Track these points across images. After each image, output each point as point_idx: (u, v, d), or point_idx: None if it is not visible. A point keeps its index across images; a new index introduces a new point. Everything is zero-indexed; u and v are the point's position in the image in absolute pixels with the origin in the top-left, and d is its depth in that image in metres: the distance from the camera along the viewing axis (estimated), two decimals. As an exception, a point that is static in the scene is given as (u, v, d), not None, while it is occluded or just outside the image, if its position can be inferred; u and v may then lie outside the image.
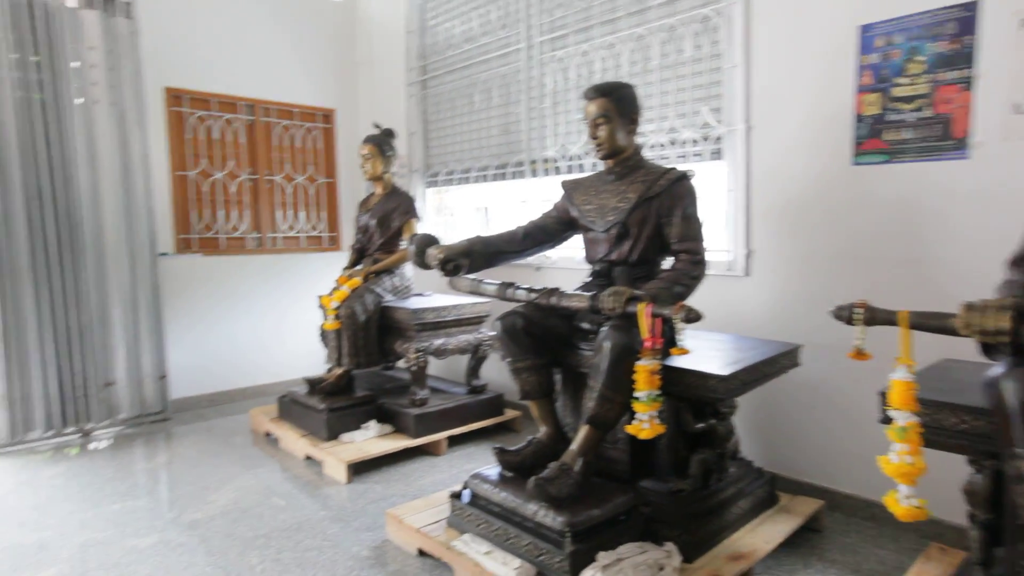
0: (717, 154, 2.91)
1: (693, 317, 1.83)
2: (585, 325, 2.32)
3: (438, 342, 3.38)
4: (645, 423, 1.97)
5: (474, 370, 3.63)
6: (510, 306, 2.37)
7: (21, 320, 3.38)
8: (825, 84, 2.53)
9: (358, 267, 3.69)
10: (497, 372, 3.92)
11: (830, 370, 2.55)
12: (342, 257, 4.75)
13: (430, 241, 2.45)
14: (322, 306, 3.46)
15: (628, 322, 2.06)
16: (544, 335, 2.33)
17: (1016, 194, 2.13)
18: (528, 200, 3.74)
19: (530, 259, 2.82)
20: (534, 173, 3.71)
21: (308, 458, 3.20)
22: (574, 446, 2.12)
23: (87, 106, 3.59)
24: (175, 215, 4.11)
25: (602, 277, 2.37)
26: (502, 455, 2.26)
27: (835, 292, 2.55)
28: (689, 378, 2.05)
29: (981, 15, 2.16)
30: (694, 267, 2.20)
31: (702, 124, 2.93)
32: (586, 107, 2.33)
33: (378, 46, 4.75)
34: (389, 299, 3.48)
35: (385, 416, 3.37)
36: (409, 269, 3.67)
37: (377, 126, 3.70)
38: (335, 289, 3.42)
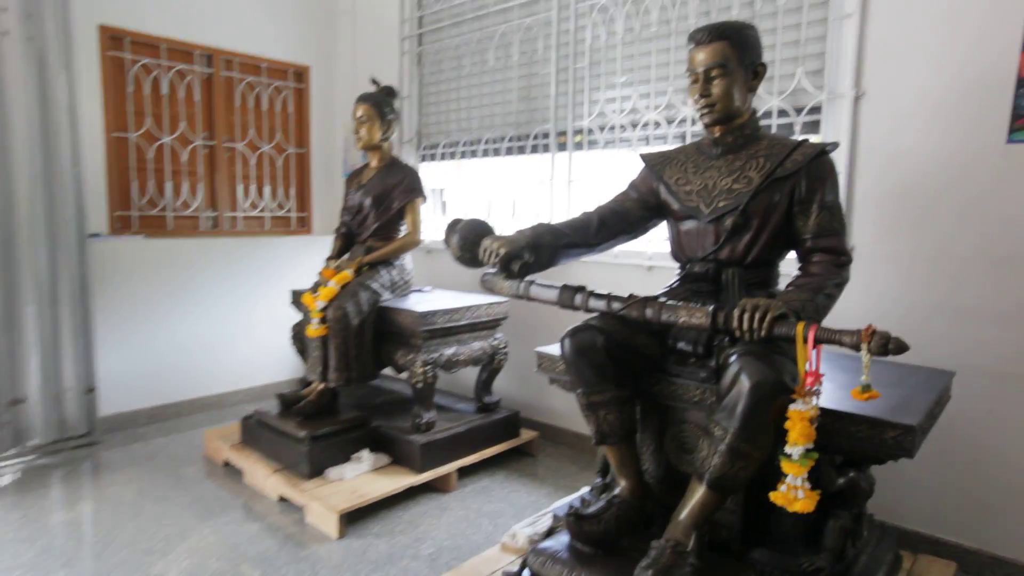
0: (812, 128, 2.35)
1: (894, 347, 1.26)
2: (684, 346, 1.73)
3: (449, 352, 2.73)
4: (799, 490, 1.41)
5: (486, 384, 3.00)
6: (572, 318, 1.76)
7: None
8: (975, 40, 1.99)
9: (345, 256, 3.00)
10: (507, 383, 3.31)
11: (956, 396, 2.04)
12: (313, 242, 4.03)
13: (482, 230, 1.80)
14: (302, 306, 2.75)
15: (767, 349, 1.48)
16: (629, 358, 1.73)
17: None
18: (551, 179, 3.11)
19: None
20: (562, 147, 3.08)
21: (283, 499, 2.51)
22: (683, 516, 1.53)
23: (-8, 40, 2.76)
24: (110, 187, 3.31)
25: (704, 281, 1.78)
26: (579, 524, 1.65)
27: (971, 300, 2.04)
28: (854, 427, 1.48)
29: None
30: (838, 271, 1.63)
31: (793, 90, 2.36)
32: (692, 54, 1.72)
33: (363, -6, 4.01)
34: (387, 297, 2.81)
35: (380, 443, 2.71)
36: (409, 260, 3.00)
37: (375, 82, 2.99)
38: (319, 285, 2.72)
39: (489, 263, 1.71)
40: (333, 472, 2.52)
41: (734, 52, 1.67)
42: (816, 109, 2.32)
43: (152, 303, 3.38)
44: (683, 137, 2.65)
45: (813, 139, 2.32)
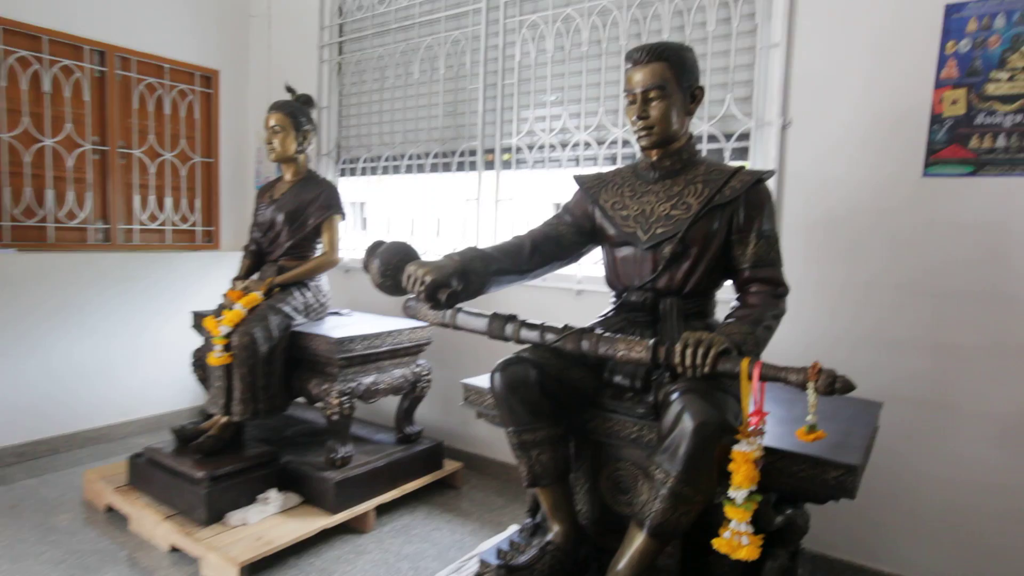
0: (741, 154, 2.35)
1: (841, 387, 1.21)
2: (621, 380, 1.64)
3: (368, 380, 2.54)
4: (743, 536, 1.33)
5: (408, 413, 2.82)
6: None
7: None
8: (893, 75, 2.04)
9: (254, 276, 2.75)
10: (429, 410, 3.13)
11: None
12: (220, 258, 3.72)
13: (406, 255, 1.65)
14: (204, 331, 2.49)
15: (710, 385, 1.41)
16: (563, 392, 1.62)
17: None
18: (477, 198, 3.00)
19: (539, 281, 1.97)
20: (490, 166, 2.98)
21: (176, 550, 2.23)
22: (622, 566, 1.43)
23: None
24: (-23, 192, 2.92)
25: (641, 311, 1.70)
26: (508, 575, 1.51)
27: (897, 333, 2.07)
28: (796, 467, 1.42)
29: (1109, 1, 1.75)
30: (776, 302, 1.60)
31: (723, 116, 2.36)
32: (630, 74, 1.65)
33: (280, -4, 3.78)
34: (300, 321, 2.59)
35: (290, 481, 2.48)
36: (326, 281, 2.79)
37: (291, 90, 2.78)
38: (224, 307, 2.47)
39: (414, 291, 1.56)
40: (235, 516, 2.26)
41: (673, 74, 1.62)
42: (745, 136, 2.33)
43: (25, 325, 2.98)
44: (614, 159, 2.60)
45: (743, 165, 2.33)
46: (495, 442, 3.00)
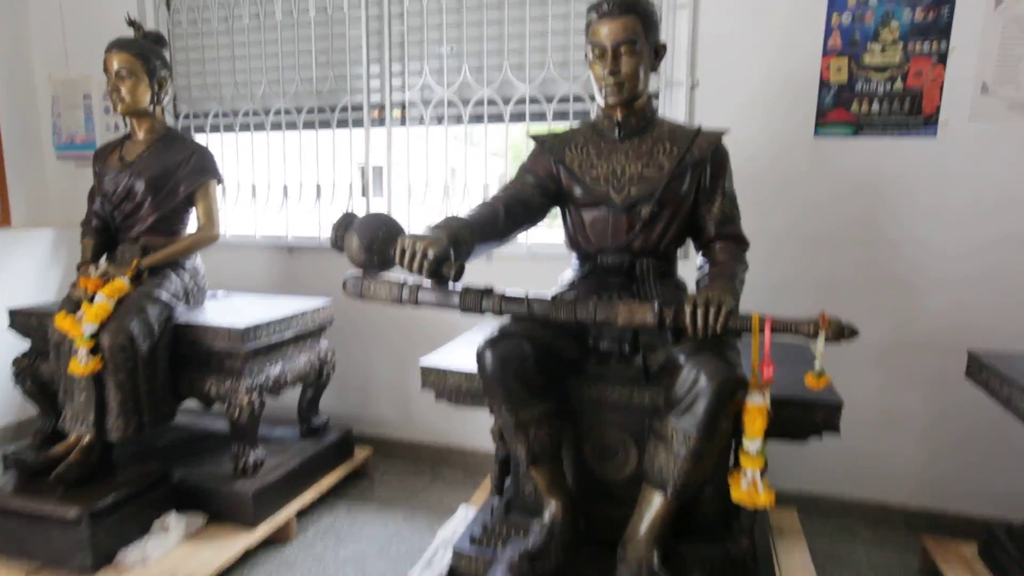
0: (652, 114, 2.41)
1: (849, 333, 1.31)
2: (608, 345, 1.61)
3: (275, 372, 2.22)
4: (759, 484, 1.41)
5: (313, 402, 2.54)
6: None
7: None
8: (788, 41, 2.22)
9: (103, 259, 2.23)
10: (324, 395, 2.85)
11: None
12: (14, 239, 2.95)
13: (392, 228, 1.42)
14: (57, 333, 1.96)
15: (718, 344, 1.44)
16: (554, 364, 1.56)
17: (980, 175, 2.12)
18: (366, 158, 2.73)
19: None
20: (379, 122, 2.71)
21: (53, 608, 1.79)
22: (643, 531, 1.44)
23: None
24: None
25: (616, 273, 1.67)
26: (532, 565, 1.43)
27: (784, 274, 2.31)
28: (788, 411, 1.53)
29: (959, -15, 2.06)
30: (743, 256, 1.68)
31: (633, 76, 2.38)
32: (596, 27, 1.58)
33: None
34: (181, 310, 2.16)
35: (189, 499, 2.10)
36: (200, 260, 2.35)
37: (134, 24, 2.23)
38: (79, 301, 1.97)
39: (412, 268, 1.36)
40: (131, 553, 1.87)
41: (642, 28, 1.57)
42: (654, 95, 2.38)
43: None
44: (522, 116, 2.51)
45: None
46: (401, 422, 2.84)
